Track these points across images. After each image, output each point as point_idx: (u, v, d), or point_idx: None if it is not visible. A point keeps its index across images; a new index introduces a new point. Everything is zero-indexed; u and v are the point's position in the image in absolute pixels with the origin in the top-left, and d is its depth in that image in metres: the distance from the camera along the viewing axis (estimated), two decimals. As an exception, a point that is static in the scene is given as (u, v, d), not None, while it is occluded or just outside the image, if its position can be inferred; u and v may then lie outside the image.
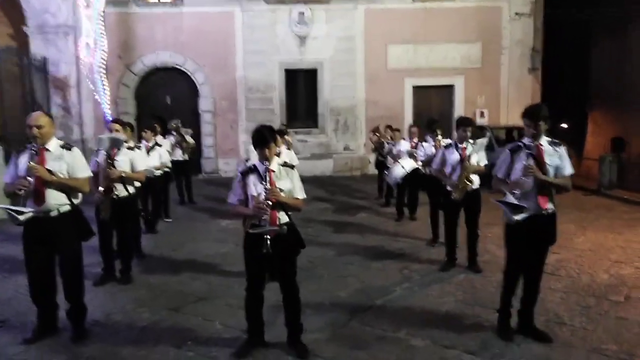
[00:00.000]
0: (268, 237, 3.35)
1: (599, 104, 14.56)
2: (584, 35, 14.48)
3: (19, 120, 9.93)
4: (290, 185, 3.55)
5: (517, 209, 3.59)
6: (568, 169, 3.77)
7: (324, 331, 3.97)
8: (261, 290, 3.61)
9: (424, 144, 7.07)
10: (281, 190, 3.46)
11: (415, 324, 4.10)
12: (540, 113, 3.66)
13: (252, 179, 3.48)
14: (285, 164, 3.65)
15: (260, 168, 3.46)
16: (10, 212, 3.55)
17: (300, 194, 3.63)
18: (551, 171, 3.70)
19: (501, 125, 13.44)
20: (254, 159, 3.89)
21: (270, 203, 3.36)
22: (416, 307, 4.48)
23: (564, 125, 14.48)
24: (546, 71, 14.46)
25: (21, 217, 3.55)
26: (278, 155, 4.98)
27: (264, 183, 3.39)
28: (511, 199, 3.63)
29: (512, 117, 13.87)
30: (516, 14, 13.93)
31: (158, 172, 7.24)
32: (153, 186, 7.11)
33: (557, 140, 3.80)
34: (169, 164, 7.89)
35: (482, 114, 14.17)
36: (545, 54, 14.26)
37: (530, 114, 3.69)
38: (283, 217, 3.52)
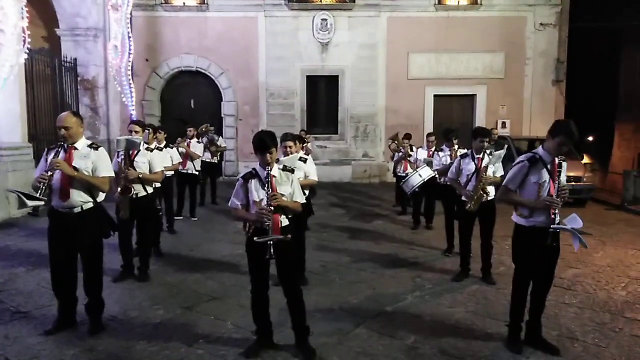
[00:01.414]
0: (271, 243, 3.41)
1: (628, 116, 14.25)
2: (613, 45, 14.24)
3: (49, 119, 10.31)
4: (291, 190, 3.62)
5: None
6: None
7: (332, 336, 4.01)
8: (266, 291, 3.68)
9: (439, 153, 7.07)
10: (282, 195, 3.53)
11: (424, 332, 4.11)
12: (576, 132, 3.56)
13: (253, 184, 3.54)
14: (285, 168, 3.69)
15: (262, 173, 3.52)
16: (19, 195, 3.60)
17: (300, 198, 3.70)
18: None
19: (523, 136, 13.27)
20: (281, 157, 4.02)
21: (272, 209, 3.42)
22: (426, 315, 4.49)
23: (590, 138, 14.23)
24: (571, 82, 14.24)
25: (29, 202, 3.60)
26: (305, 161, 5.09)
27: (266, 189, 3.45)
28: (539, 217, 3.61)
29: (535, 128, 13.72)
30: (541, 24, 13.79)
31: (169, 173, 7.35)
32: (165, 187, 7.24)
33: (563, 156, 3.73)
34: (197, 167, 8.09)
35: (503, 125, 14.04)
36: (570, 65, 14.06)
37: (571, 134, 3.54)
38: (284, 221, 3.59)
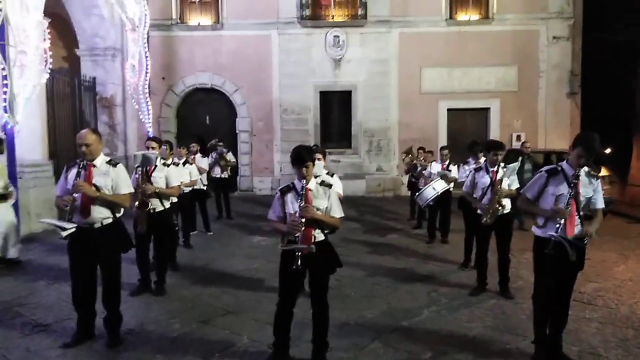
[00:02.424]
0: (299, 253, 3.44)
1: (646, 128, 14.03)
2: (629, 56, 14.09)
3: (69, 137, 10.55)
4: (327, 204, 3.65)
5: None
6: (600, 203, 3.72)
7: (348, 350, 3.99)
8: (292, 306, 3.70)
9: (464, 166, 7.03)
10: (317, 209, 3.56)
11: (441, 347, 4.07)
12: (597, 146, 3.56)
13: (289, 197, 3.61)
14: (322, 183, 3.75)
15: (298, 186, 3.59)
16: (55, 226, 3.85)
17: (338, 213, 3.72)
18: (583, 202, 3.65)
19: (539, 149, 13.16)
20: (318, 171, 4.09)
21: (303, 221, 3.46)
22: (443, 330, 4.44)
23: (607, 150, 14.03)
24: (586, 95, 14.13)
25: (63, 233, 3.81)
26: (332, 175, 5.16)
27: (300, 201, 3.50)
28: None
29: (550, 141, 13.62)
30: (554, 37, 13.77)
31: (187, 189, 7.44)
32: (182, 202, 7.32)
33: (594, 173, 3.71)
34: (204, 181, 8.16)
35: (518, 138, 13.94)
36: (585, 78, 13.96)
37: (589, 146, 3.53)
38: (319, 236, 3.61)
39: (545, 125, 13.98)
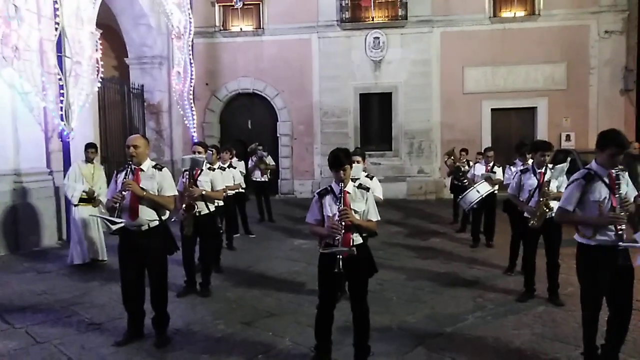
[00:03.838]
0: (340, 257, 3.44)
1: None
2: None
3: (119, 143, 11.02)
4: (365, 207, 3.64)
5: None
6: (632, 194, 3.55)
7: (390, 356, 3.95)
8: (332, 309, 3.70)
9: (511, 167, 6.84)
10: (355, 212, 3.56)
11: (486, 354, 3.96)
12: (625, 140, 3.44)
13: (327, 199, 3.61)
14: (360, 186, 3.74)
15: (336, 189, 3.59)
16: (105, 221, 4.01)
17: (375, 217, 3.70)
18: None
19: (589, 149, 12.57)
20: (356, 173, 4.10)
21: (343, 224, 3.46)
22: (488, 337, 4.32)
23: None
24: (642, 91, 13.39)
25: (113, 227, 3.97)
26: (371, 179, 5.16)
27: (338, 204, 3.51)
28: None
29: (603, 140, 12.96)
30: (606, 32, 13.14)
31: (231, 192, 7.54)
32: (226, 205, 7.46)
33: (622, 167, 3.52)
34: (243, 185, 8.31)
35: (567, 138, 13.41)
36: (639, 74, 13.24)
37: (622, 143, 3.40)
38: (357, 239, 3.60)
39: (597, 124, 13.32)
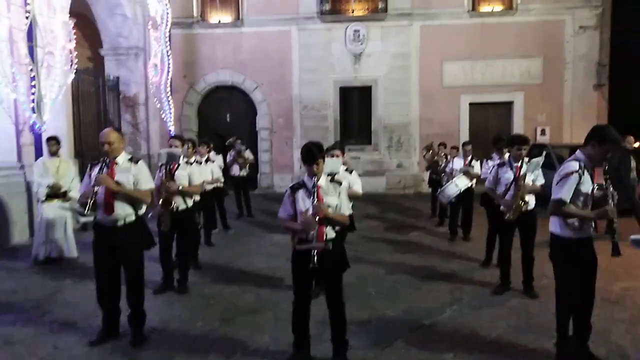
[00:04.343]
0: (315, 252, 3.43)
1: (675, 121, 13.54)
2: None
3: (93, 136, 10.75)
4: (338, 201, 3.63)
5: None
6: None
7: (369, 349, 3.97)
8: (308, 304, 3.70)
9: (488, 162, 6.91)
10: (328, 206, 3.55)
11: (463, 347, 4.02)
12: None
13: (300, 194, 3.59)
14: (333, 180, 3.73)
15: (309, 184, 3.57)
16: (74, 213, 3.89)
17: (347, 211, 3.71)
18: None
19: (564, 143, 12.84)
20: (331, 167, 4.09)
21: (317, 219, 3.45)
22: (465, 330, 4.38)
23: (636, 145, 13.58)
24: (614, 87, 13.70)
25: (82, 219, 3.90)
26: (351, 172, 5.14)
27: (312, 199, 3.49)
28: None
29: (576, 135, 13.22)
30: (580, 27, 13.38)
31: (209, 187, 7.43)
32: (204, 200, 7.35)
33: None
34: (222, 179, 8.22)
35: (542, 132, 13.64)
36: (612, 69, 13.54)
37: (617, 141, 3.48)
38: (330, 233, 3.60)
39: (571, 118, 13.62)
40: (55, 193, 6.49)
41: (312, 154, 3.53)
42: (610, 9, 13.45)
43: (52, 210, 6.49)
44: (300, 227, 3.54)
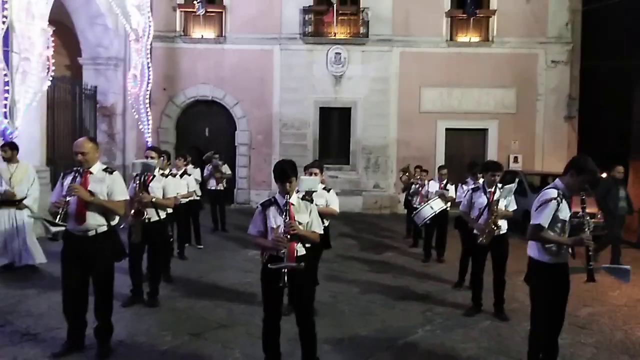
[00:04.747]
0: (285, 271, 3.41)
1: (640, 154, 14.13)
2: (626, 83, 14.28)
3: (67, 144, 10.52)
4: (309, 219, 3.65)
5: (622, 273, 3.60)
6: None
7: (341, 368, 3.94)
8: (278, 320, 3.66)
9: (463, 186, 7.04)
10: (299, 223, 3.56)
11: (435, 367, 4.03)
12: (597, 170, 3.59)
13: (272, 211, 3.59)
14: (304, 198, 3.75)
15: (280, 201, 3.57)
16: (45, 223, 3.77)
17: (318, 228, 3.72)
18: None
19: (536, 171, 13.23)
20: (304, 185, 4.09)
21: (288, 237, 3.45)
22: (437, 350, 4.40)
23: (603, 175, 14.09)
24: (584, 119, 14.26)
25: (53, 229, 3.73)
26: (328, 191, 5.16)
27: (284, 216, 3.49)
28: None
29: (548, 163, 13.69)
30: (552, 61, 13.96)
31: (184, 200, 7.32)
32: (178, 213, 7.11)
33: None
34: (198, 192, 8.12)
35: (515, 159, 14.03)
36: (582, 102, 14.11)
37: (595, 172, 3.56)
38: (300, 250, 3.60)
39: (542, 147, 14.09)
40: (10, 200, 6.28)
41: (285, 172, 3.54)
42: (580, 45, 14.09)
43: (5, 218, 6.30)
44: (271, 244, 3.52)
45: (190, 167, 8.39)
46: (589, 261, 3.57)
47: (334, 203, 5.21)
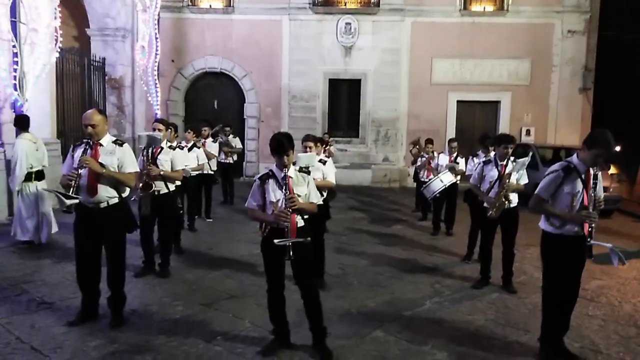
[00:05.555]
0: (290, 244, 3.43)
1: (657, 127, 13.84)
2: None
3: (77, 116, 10.55)
4: (307, 191, 3.66)
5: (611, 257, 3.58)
6: (601, 191, 3.71)
7: (349, 338, 4.00)
8: (281, 291, 3.70)
9: (474, 159, 6.97)
10: (298, 195, 3.56)
11: (442, 338, 4.07)
12: (613, 144, 3.49)
13: (270, 184, 3.57)
14: (301, 170, 3.73)
15: (279, 175, 3.56)
16: (59, 195, 3.79)
17: (316, 199, 3.74)
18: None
19: (548, 144, 13.04)
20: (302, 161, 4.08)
21: (290, 211, 3.45)
22: (444, 322, 4.44)
23: (617, 148, 13.87)
24: (599, 91, 13.93)
25: (67, 201, 3.76)
26: (324, 163, 5.11)
27: (284, 191, 3.48)
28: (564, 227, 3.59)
29: (560, 136, 13.48)
30: (569, 31, 13.55)
31: (194, 173, 7.35)
32: (188, 186, 7.17)
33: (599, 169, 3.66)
34: (214, 167, 8.13)
35: (528, 132, 13.83)
36: (598, 74, 13.76)
37: (609, 146, 3.45)
38: (299, 222, 3.61)
39: (556, 120, 13.83)
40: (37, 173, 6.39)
41: (283, 145, 3.51)
42: (599, 14, 13.64)
43: (31, 190, 6.40)
44: (272, 218, 3.51)
45: (209, 141, 8.41)
46: (589, 237, 3.55)
47: (330, 175, 5.17)
